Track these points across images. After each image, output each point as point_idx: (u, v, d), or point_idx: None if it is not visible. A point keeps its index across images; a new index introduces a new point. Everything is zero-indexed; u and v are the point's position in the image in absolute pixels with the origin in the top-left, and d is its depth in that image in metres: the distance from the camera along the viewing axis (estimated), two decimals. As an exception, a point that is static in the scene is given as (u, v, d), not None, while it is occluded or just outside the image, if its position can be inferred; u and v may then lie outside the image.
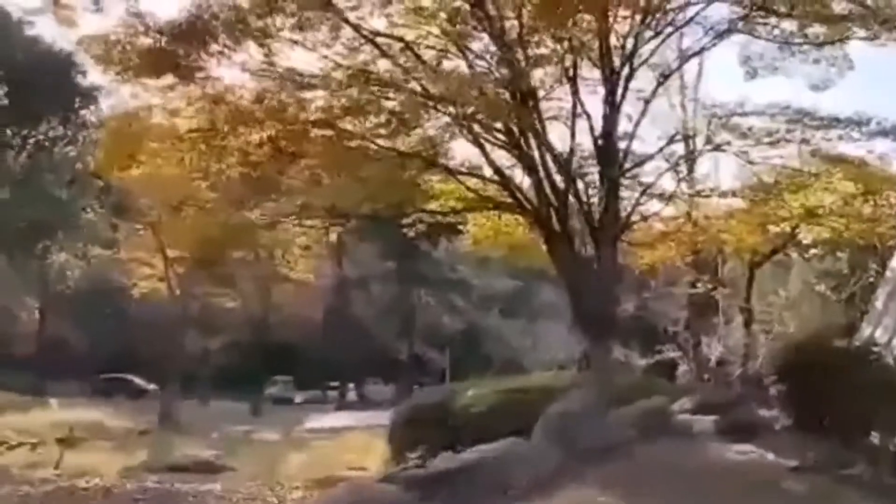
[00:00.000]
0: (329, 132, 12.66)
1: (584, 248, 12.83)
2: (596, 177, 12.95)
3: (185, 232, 19.54)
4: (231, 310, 41.76)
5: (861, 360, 11.08)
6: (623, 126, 12.77)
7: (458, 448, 10.72)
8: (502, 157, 13.31)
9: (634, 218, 13.70)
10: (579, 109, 12.72)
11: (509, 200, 13.32)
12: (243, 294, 41.39)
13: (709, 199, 14.97)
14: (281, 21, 11.89)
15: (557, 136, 13.02)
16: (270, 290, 43.09)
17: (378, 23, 12.46)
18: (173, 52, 11.90)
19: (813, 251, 18.83)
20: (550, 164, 12.58)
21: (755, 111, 13.13)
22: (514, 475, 9.23)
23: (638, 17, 12.17)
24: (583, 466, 9.43)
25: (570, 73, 12.58)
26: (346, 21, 12.12)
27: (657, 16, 12.36)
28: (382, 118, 12.55)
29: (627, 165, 12.96)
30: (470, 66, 12.92)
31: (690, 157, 14.97)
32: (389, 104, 12.47)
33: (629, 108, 12.83)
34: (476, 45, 12.79)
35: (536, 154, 12.54)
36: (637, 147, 13.19)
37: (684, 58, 14.09)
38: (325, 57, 12.54)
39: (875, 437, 10.24)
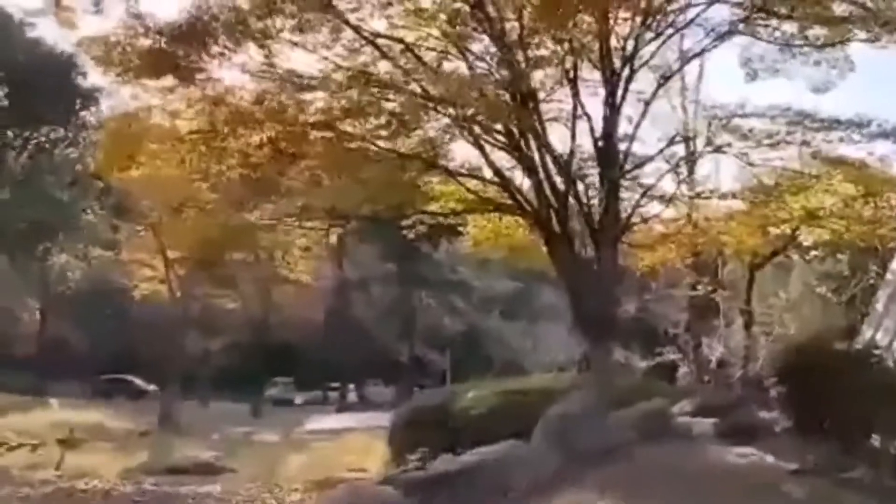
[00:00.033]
0: (329, 134, 12.65)
1: (584, 249, 12.81)
2: (596, 178, 12.93)
3: (185, 233, 19.58)
4: (231, 311, 41.77)
5: (862, 363, 11.05)
6: (623, 128, 12.79)
7: (458, 450, 10.72)
8: (502, 159, 13.31)
9: (635, 220, 13.69)
10: (580, 111, 12.73)
11: (509, 202, 13.31)
12: (244, 295, 41.39)
13: (709, 200, 14.96)
14: (281, 22, 11.88)
15: (558, 137, 13.04)
16: (271, 291, 43.09)
17: (378, 24, 12.48)
18: (173, 53, 11.89)
19: (813, 253, 18.81)
20: (550, 165, 12.57)
21: (756, 113, 13.12)
22: (514, 478, 9.22)
23: (638, 19, 12.16)
24: (582, 469, 9.42)
25: (571, 74, 12.57)
26: (347, 23, 12.11)
27: (658, 17, 12.34)
28: (382, 120, 12.54)
29: (628, 167, 12.95)
30: (470, 68, 12.91)
31: (691, 159, 14.96)
32: (389, 106, 12.46)
33: (629, 109, 12.86)
34: (476, 47, 12.79)
35: (536, 155, 12.53)
36: (637, 149, 13.21)
37: (685, 59, 14.09)
38: (326, 58, 12.53)
39: (876, 440, 10.20)
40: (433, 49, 12.99)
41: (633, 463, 9.63)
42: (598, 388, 11.70)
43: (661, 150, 13.59)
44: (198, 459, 17.56)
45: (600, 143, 12.54)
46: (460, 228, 18.18)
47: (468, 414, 13.68)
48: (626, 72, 12.41)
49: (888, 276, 17.31)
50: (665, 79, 13.40)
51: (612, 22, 12.05)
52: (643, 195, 13.57)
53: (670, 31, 12.69)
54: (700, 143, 14.00)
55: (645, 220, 14.58)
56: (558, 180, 12.62)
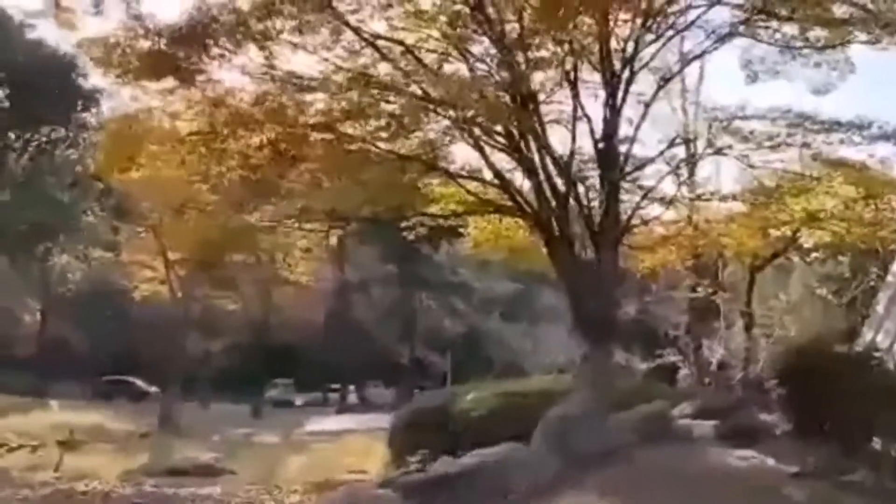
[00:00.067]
0: (329, 135, 12.62)
1: (584, 251, 12.78)
2: (596, 180, 12.90)
3: (185, 235, 19.60)
4: (232, 312, 41.78)
5: (862, 365, 11.06)
6: (624, 129, 12.73)
7: (458, 452, 10.71)
8: (502, 161, 13.28)
9: (635, 221, 13.64)
10: (580, 113, 12.68)
11: (509, 204, 13.28)
12: (244, 297, 41.40)
13: (709, 202, 14.93)
14: (281, 24, 11.85)
15: (558, 139, 12.99)
16: (271, 292, 43.11)
17: (378, 26, 12.44)
18: (173, 54, 11.85)
19: (814, 255, 18.82)
20: (551, 167, 12.54)
21: (756, 115, 13.08)
22: (514, 480, 9.23)
23: (639, 21, 12.13)
24: (582, 471, 9.42)
25: (571, 76, 12.54)
26: (347, 24, 12.08)
27: (658, 19, 12.31)
28: (382, 121, 12.51)
29: (628, 169, 12.91)
30: (471, 70, 12.89)
31: (691, 161, 14.92)
32: (390, 107, 12.43)
33: (630, 111, 12.80)
34: (476, 49, 12.75)
35: (537, 157, 12.50)
36: (638, 150, 13.16)
37: (685, 61, 14.06)
38: (326, 60, 12.50)
39: (876, 443, 10.20)
40: (433, 51, 12.96)
41: (633, 465, 9.63)
42: (595, 388, 11.68)
43: (662, 152, 13.57)
44: (198, 461, 17.58)
45: (600, 145, 12.51)
46: (461, 230, 18.17)
47: (468, 416, 13.68)
48: (627, 73, 12.38)
49: (889, 278, 17.29)
50: (665, 81, 13.37)
51: (612, 24, 12.02)
52: (643, 197, 13.54)
53: (671, 32, 12.66)
54: (700, 145, 13.97)
55: (645, 222, 14.54)
56: (558, 182, 12.60)
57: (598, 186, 12.79)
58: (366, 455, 16.89)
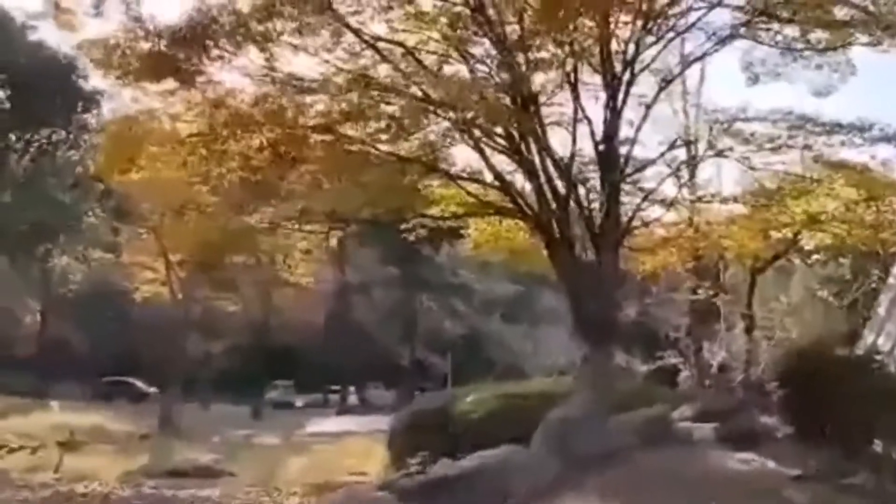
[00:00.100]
0: (329, 137, 12.62)
1: (584, 253, 12.77)
2: (597, 182, 12.89)
3: (185, 236, 19.60)
4: (232, 314, 41.75)
5: (863, 368, 11.05)
6: (624, 131, 12.72)
7: (458, 454, 10.70)
8: (503, 163, 13.28)
9: (635, 223, 13.63)
10: (580, 114, 12.67)
11: (510, 205, 13.27)
12: (245, 298, 41.38)
13: (710, 204, 14.92)
14: (281, 25, 11.85)
15: (558, 141, 12.98)
16: (271, 294, 43.11)
17: (379, 28, 12.44)
18: (173, 56, 11.85)
19: (815, 257, 18.78)
20: (551, 169, 12.53)
21: (757, 117, 13.07)
22: (514, 483, 9.22)
23: (639, 23, 12.11)
24: (582, 474, 9.40)
25: (572, 78, 12.53)
26: (347, 26, 12.08)
27: (659, 21, 12.30)
28: (383, 123, 12.50)
29: (629, 171, 12.90)
30: (471, 71, 12.89)
31: (692, 163, 14.90)
32: (390, 109, 12.42)
33: (630, 113, 12.78)
34: (477, 50, 12.74)
35: (537, 159, 12.49)
36: (638, 152, 13.14)
37: (686, 63, 14.03)
38: (326, 62, 12.50)
39: (877, 446, 10.18)
40: (434, 52, 12.96)
41: (633, 468, 9.62)
42: (598, 391, 11.66)
43: (663, 154, 13.54)
44: (198, 462, 17.55)
45: (601, 147, 12.50)
46: (461, 231, 18.15)
47: (468, 418, 13.66)
48: (627, 75, 12.37)
49: (890, 280, 17.32)
50: (666, 82, 13.34)
51: (612, 26, 12.01)
52: (644, 199, 13.54)
53: (671, 34, 12.64)
54: (701, 147, 13.96)
55: (646, 224, 14.54)
56: (559, 184, 12.58)
57: (598, 188, 12.78)
58: (366, 456, 16.87)
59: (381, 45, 12.46)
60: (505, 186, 13.19)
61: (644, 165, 13.34)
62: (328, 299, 49.03)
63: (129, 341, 44.24)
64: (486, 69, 12.76)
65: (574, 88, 12.58)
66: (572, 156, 12.72)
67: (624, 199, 13.03)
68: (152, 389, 42.11)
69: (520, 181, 13.55)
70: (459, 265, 51.50)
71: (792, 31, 12.47)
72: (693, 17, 12.54)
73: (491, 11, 12.10)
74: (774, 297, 19.21)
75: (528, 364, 47.46)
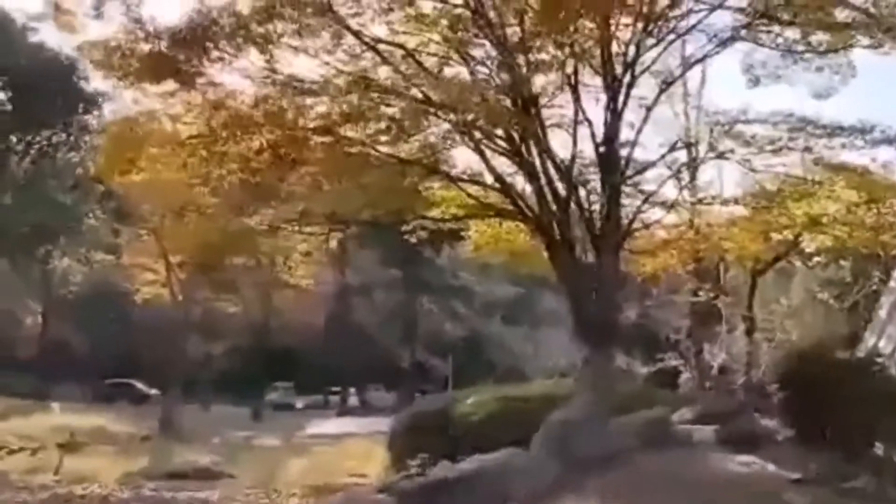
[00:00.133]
0: (329, 139, 12.61)
1: (585, 255, 12.76)
2: (597, 184, 12.87)
3: (185, 237, 19.57)
4: (233, 315, 41.80)
5: (864, 371, 11.01)
6: (625, 133, 12.70)
7: (458, 457, 10.69)
8: (503, 164, 13.26)
9: (636, 225, 13.61)
10: (581, 116, 12.65)
11: (510, 207, 13.25)
12: (245, 300, 41.41)
13: (711, 206, 14.90)
14: (282, 27, 11.84)
15: (559, 143, 12.97)
16: (272, 295, 43.13)
17: (379, 30, 12.42)
18: (174, 57, 11.83)
19: (816, 259, 18.77)
20: (552, 171, 12.51)
21: (758, 119, 13.04)
22: (514, 485, 9.20)
23: (640, 25, 12.09)
24: (583, 476, 9.38)
25: (572, 80, 12.52)
26: (348, 28, 12.06)
27: (659, 23, 12.27)
28: (383, 125, 12.49)
29: (629, 173, 12.88)
30: (471, 73, 12.88)
31: (693, 165, 14.88)
32: (390, 111, 12.40)
33: (631, 115, 12.76)
34: (477, 52, 12.73)
35: (538, 161, 12.47)
36: (639, 154, 13.12)
37: (687, 65, 14.01)
38: (327, 64, 12.49)
39: (878, 449, 10.15)
40: (434, 54, 12.94)
41: (633, 470, 9.60)
42: (598, 394, 11.64)
43: (663, 156, 13.52)
44: (198, 464, 17.55)
45: (602, 149, 12.48)
46: (462, 233, 18.15)
47: (468, 420, 13.66)
48: (628, 77, 12.35)
49: (891, 283, 17.24)
50: (667, 84, 13.33)
51: (613, 27, 12.01)
52: (645, 201, 13.52)
53: (672, 36, 12.62)
54: (702, 149, 13.93)
55: (646, 226, 14.52)
56: (559, 186, 12.56)
57: (599, 190, 12.76)
58: (366, 458, 16.86)
59: (381, 46, 12.45)
60: (505, 188, 13.18)
61: (645, 167, 13.32)
62: (328, 301, 49.05)
63: (129, 343, 44.27)
64: (487, 71, 12.75)
65: (575, 90, 12.57)
66: (573, 158, 12.71)
67: (624, 201, 13.02)
68: (153, 391, 42.12)
69: (520, 183, 13.55)
70: (460, 267, 51.47)
71: (793, 33, 12.46)
72: (694, 19, 12.52)
73: (491, 13, 12.09)
74: (775, 300, 19.20)
75: (528, 366, 47.46)
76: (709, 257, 17.94)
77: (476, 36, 12.44)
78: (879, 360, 11.97)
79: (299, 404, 51.97)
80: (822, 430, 10.32)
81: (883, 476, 9.21)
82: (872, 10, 11.77)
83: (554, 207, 12.45)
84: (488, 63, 12.68)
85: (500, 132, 12.59)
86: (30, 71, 38.01)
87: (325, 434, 29.80)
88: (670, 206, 14.46)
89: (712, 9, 12.30)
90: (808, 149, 13.12)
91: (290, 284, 38.14)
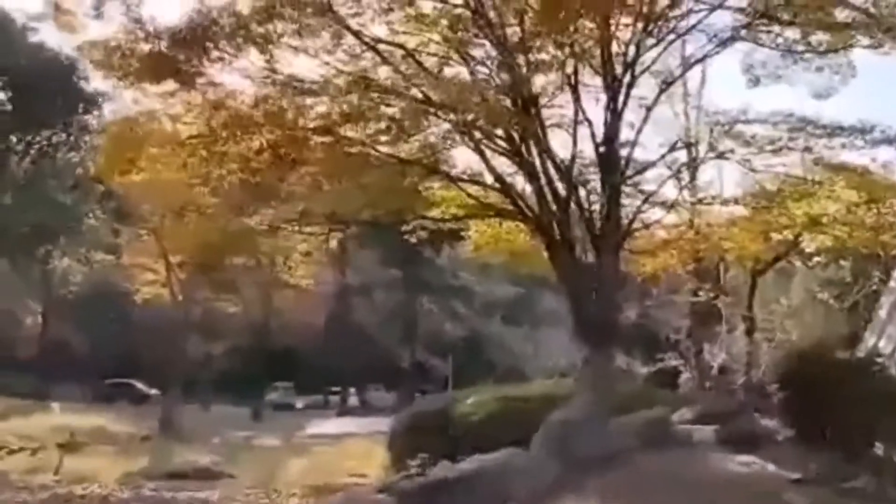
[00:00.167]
0: (329, 139, 12.61)
1: (585, 255, 12.76)
2: (597, 184, 12.87)
3: (185, 237, 19.57)
4: (233, 315, 41.80)
5: (864, 371, 11.01)
6: (625, 133, 12.70)
7: (458, 457, 10.68)
8: (503, 165, 13.26)
9: (636, 225, 13.61)
10: (581, 116, 12.66)
11: (510, 207, 13.25)
12: (245, 300, 41.43)
13: (711, 206, 14.90)
14: (282, 27, 11.84)
15: (559, 143, 12.98)
16: (272, 295, 43.13)
17: (379, 30, 12.42)
18: (174, 57, 11.83)
19: (816, 259, 18.77)
20: (552, 171, 12.51)
21: (758, 119, 13.04)
22: (514, 485, 9.19)
23: (640, 25, 12.09)
24: (583, 476, 9.38)
25: (572, 80, 12.52)
26: (348, 28, 12.06)
27: (659, 23, 12.27)
28: (383, 125, 12.49)
29: (629, 173, 12.87)
30: (471, 73, 12.88)
31: (693, 165, 14.88)
32: (390, 111, 12.40)
33: (631, 115, 12.76)
34: (477, 52, 12.73)
35: (538, 161, 12.47)
36: (639, 154, 13.12)
37: (687, 65, 14.01)
38: (327, 64, 12.49)
39: (878, 449, 10.15)
40: (434, 54, 12.93)
41: (633, 470, 9.59)
42: (598, 394, 11.64)
43: (663, 156, 13.51)
44: (197, 464, 17.55)
45: (602, 149, 12.48)
46: (462, 233, 18.15)
47: (468, 420, 13.66)
48: (628, 77, 12.35)
49: (891, 283, 17.24)
50: (667, 84, 13.33)
51: (613, 27, 12.00)
52: (645, 201, 13.52)
53: (672, 36, 12.62)
54: (702, 149, 13.93)
55: (646, 226, 14.52)
56: (559, 186, 12.56)
57: (599, 190, 12.76)
58: (366, 458, 16.85)
59: (381, 46, 12.45)
60: (505, 188, 13.18)
61: (645, 167, 13.32)
62: (328, 301, 49.06)
63: (129, 343, 44.28)
64: (487, 71, 12.75)
65: (575, 90, 12.57)
66: (573, 158, 12.71)
67: (624, 201, 13.01)
68: (153, 391, 42.12)
69: (520, 183, 13.55)
70: (460, 267, 51.47)
71: (793, 33, 12.46)
72: (694, 19, 12.52)
73: (491, 13, 12.09)
74: (775, 300, 19.20)
75: (528, 366, 47.46)
76: (709, 257, 17.94)
77: (476, 36, 12.44)
78: (879, 360, 11.97)
79: (299, 404, 51.97)
80: (822, 431, 10.32)
81: (883, 476, 9.21)
82: (872, 10, 11.77)
83: (554, 207, 12.46)
84: (488, 63, 12.68)
85: (500, 132, 12.59)
86: (30, 71, 38.00)
87: (325, 434, 29.80)
88: (670, 206, 14.46)
89: (712, 9, 12.31)
90: (808, 149, 13.12)
91: (290, 284, 38.16)
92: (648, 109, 12.89)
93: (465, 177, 13.76)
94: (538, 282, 41.67)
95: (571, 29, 11.61)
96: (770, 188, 13.95)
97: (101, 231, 41.15)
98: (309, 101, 12.42)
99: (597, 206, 12.71)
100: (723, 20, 12.46)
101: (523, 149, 12.56)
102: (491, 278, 53.00)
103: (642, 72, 12.54)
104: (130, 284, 35.47)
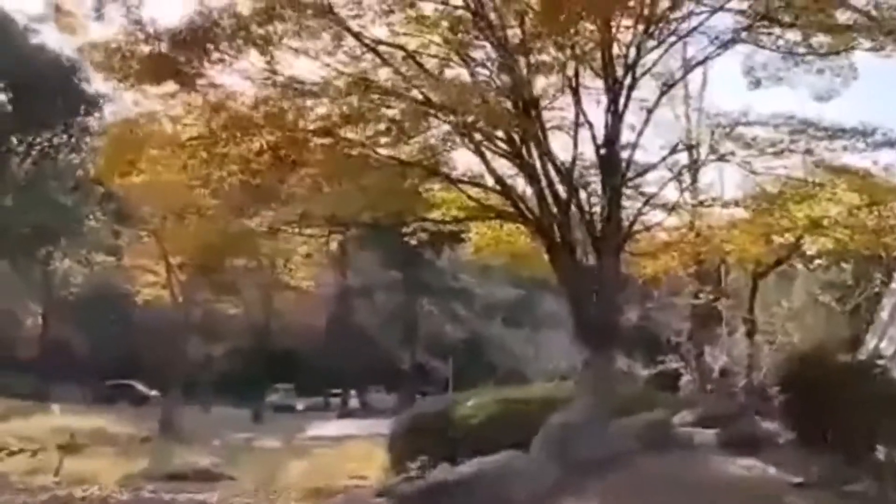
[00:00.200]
0: (329, 140, 12.60)
1: (585, 257, 12.75)
2: (598, 186, 12.86)
3: (186, 239, 19.58)
4: (233, 317, 41.80)
5: (865, 373, 10.99)
6: (626, 135, 12.71)
7: (458, 459, 10.67)
8: (504, 167, 13.26)
9: (637, 228, 13.59)
10: (582, 119, 12.66)
11: (511, 209, 13.25)
12: (245, 301, 41.42)
13: (712, 209, 14.87)
14: (282, 29, 11.84)
15: (559, 145, 12.98)
16: (272, 297, 43.13)
17: (380, 31, 12.43)
18: (174, 59, 11.84)
19: (817, 262, 18.71)
20: (552, 173, 12.51)
21: (759, 121, 13.04)
22: (514, 488, 9.18)
23: (641, 27, 12.10)
24: (583, 479, 9.37)
25: (573, 82, 12.52)
26: (348, 30, 12.07)
27: (660, 25, 12.28)
28: (383, 126, 12.49)
29: (630, 175, 12.88)
30: (472, 75, 12.87)
31: (694, 167, 14.86)
32: (390, 112, 12.41)
33: (632, 117, 12.76)
34: (478, 54, 12.74)
35: (538, 163, 12.47)
36: (640, 156, 13.14)
37: (688, 67, 14.01)
38: (327, 65, 12.49)
39: (880, 452, 10.12)
40: (434, 56, 12.94)
41: (634, 473, 9.58)
42: (599, 396, 11.62)
43: (664, 158, 13.51)
44: (197, 466, 17.50)
45: (602, 151, 12.48)
46: (462, 235, 18.13)
47: (468, 422, 13.63)
48: (629, 80, 12.35)
49: (893, 285, 17.22)
50: (668, 87, 13.33)
51: (614, 29, 12.00)
52: (645, 203, 13.50)
53: (673, 39, 12.64)
54: (703, 152, 13.91)
55: (647, 229, 14.49)
56: (560, 188, 12.56)
57: (599, 192, 12.76)
58: (367, 460, 16.80)
59: (381, 48, 12.46)
60: (506, 190, 13.17)
61: (645, 170, 13.32)
62: (329, 303, 49.04)
63: (130, 344, 44.26)
64: (487, 73, 12.76)
65: (575, 92, 12.57)
66: (573, 160, 12.71)
67: (625, 203, 13.01)
68: (153, 392, 42.10)
69: (521, 185, 13.55)
70: (460, 269, 51.45)
71: (794, 35, 12.45)
72: (695, 21, 12.53)
73: (492, 15, 12.10)
74: (776, 302, 19.14)
75: (529, 368, 47.37)
76: (710, 260, 17.90)
77: (476, 38, 12.44)
78: (881, 362, 11.94)
79: (300, 406, 51.92)
80: (824, 433, 10.30)
81: (884, 479, 9.19)
82: (874, 12, 11.76)
83: (555, 210, 12.45)
84: (489, 65, 12.68)
85: (500, 134, 12.59)
86: (30, 72, 38.04)
87: (325, 436, 29.75)
88: (671, 209, 14.44)
89: (713, 11, 12.30)
90: (809, 151, 13.11)
91: (290, 286, 38.17)
92: (649, 112, 12.89)
93: (465, 179, 13.75)
94: (539, 284, 41.61)
95: (572, 31, 11.61)
96: (771, 190, 13.94)
97: (102, 232, 41.18)
98: (309, 102, 12.42)
99: (597, 209, 12.70)
100: (724, 22, 12.49)
101: (524, 151, 12.55)
102: (491, 280, 52.98)
103: (643, 74, 12.55)
104: (131, 286, 35.48)
